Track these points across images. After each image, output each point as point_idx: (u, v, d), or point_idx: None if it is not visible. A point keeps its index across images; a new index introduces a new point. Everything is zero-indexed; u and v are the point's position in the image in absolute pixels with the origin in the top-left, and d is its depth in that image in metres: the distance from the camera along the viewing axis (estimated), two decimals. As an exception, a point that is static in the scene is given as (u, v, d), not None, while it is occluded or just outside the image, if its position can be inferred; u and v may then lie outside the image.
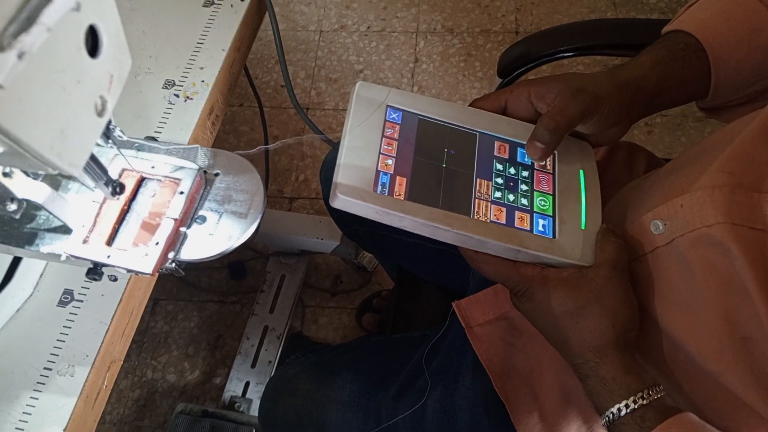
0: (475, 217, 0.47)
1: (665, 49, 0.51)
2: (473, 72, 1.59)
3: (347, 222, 0.88)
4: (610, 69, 0.50)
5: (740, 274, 0.41)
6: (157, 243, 0.39)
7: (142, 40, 0.64)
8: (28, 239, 0.39)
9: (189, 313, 1.32)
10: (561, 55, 0.75)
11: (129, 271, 0.39)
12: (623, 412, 0.43)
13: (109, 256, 0.38)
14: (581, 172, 0.51)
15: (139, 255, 0.39)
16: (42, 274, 0.51)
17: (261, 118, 0.96)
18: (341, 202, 0.45)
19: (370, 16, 1.70)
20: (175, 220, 0.40)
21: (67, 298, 0.50)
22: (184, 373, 1.26)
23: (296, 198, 1.45)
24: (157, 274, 0.52)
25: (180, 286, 1.35)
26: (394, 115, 0.50)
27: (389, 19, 1.69)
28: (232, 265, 1.35)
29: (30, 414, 0.46)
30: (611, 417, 0.44)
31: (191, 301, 1.34)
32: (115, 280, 0.49)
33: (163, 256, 0.39)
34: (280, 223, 1.22)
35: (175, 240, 0.40)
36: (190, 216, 0.41)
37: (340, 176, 0.45)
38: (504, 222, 0.47)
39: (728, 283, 0.42)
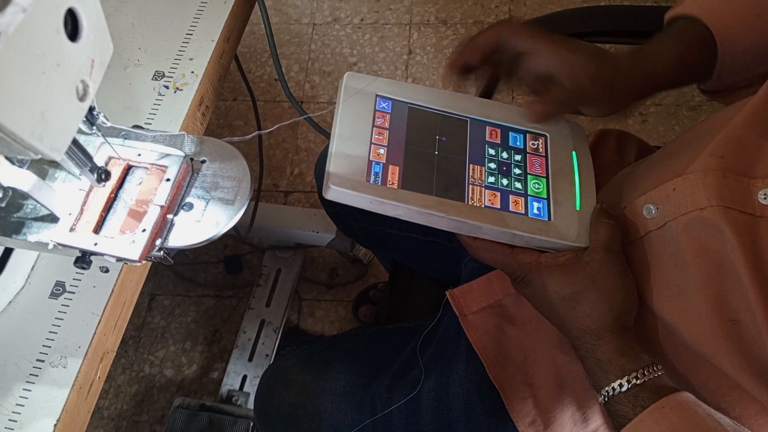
0: (470, 202, 0.47)
1: (683, 44, 0.50)
2: (468, 63, 1.58)
3: (342, 218, 0.88)
4: (635, 57, 0.49)
5: (731, 256, 0.41)
6: (144, 230, 0.39)
7: (131, 32, 0.64)
8: (15, 228, 0.39)
9: (186, 308, 1.32)
10: (553, 43, 0.74)
11: (116, 258, 0.39)
12: (617, 391, 0.44)
13: (96, 244, 0.38)
14: (574, 153, 0.51)
15: (126, 242, 0.39)
16: (33, 266, 0.51)
17: (254, 112, 0.95)
18: (334, 193, 0.44)
19: (363, 9, 1.69)
20: (162, 207, 0.40)
21: (59, 289, 0.50)
22: (182, 368, 1.26)
23: (291, 191, 1.45)
24: (148, 264, 0.52)
25: (176, 281, 1.35)
26: (383, 105, 0.50)
27: (382, 11, 1.68)
28: (228, 259, 1.35)
29: (23, 406, 0.46)
30: (606, 396, 0.44)
31: (188, 296, 1.34)
32: (107, 271, 0.49)
33: (150, 243, 0.39)
34: (275, 217, 1.22)
35: (162, 227, 0.40)
36: (177, 203, 0.41)
37: (332, 167, 0.45)
38: (499, 206, 0.47)
39: (719, 266, 0.42)
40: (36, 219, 0.40)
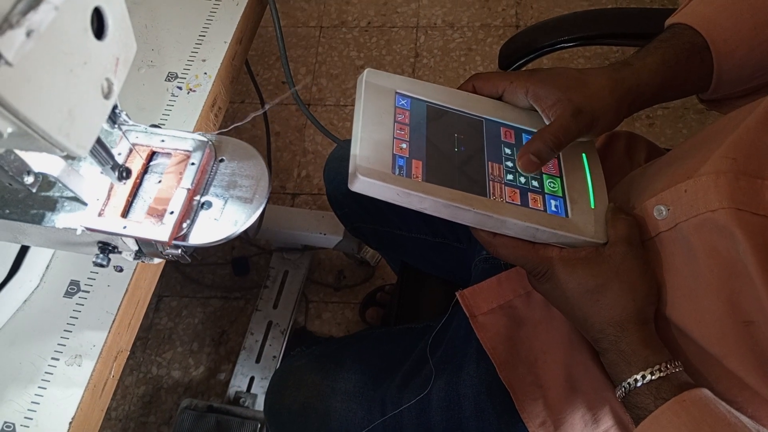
0: (492, 198, 0.47)
1: (671, 48, 0.50)
2: (474, 66, 1.59)
3: (350, 219, 0.88)
4: (615, 68, 0.50)
5: (743, 258, 0.41)
6: (172, 212, 0.39)
7: (145, 33, 0.65)
8: (42, 216, 0.40)
9: (193, 310, 1.33)
10: (561, 46, 0.75)
11: (144, 241, 0.39)
12: (639, 383, 0.44)
13: (125, 227, 0.39)
14: (584, 155, 0.52)
15: (155, 224, 0.39)
16: (48, 265, 0.52)
17: (263, 114, 0.96)
18: (362, 184, 0.44)
19: (370, 12, 1.70)
20: (188, 190, 0.40)
21: (73, 289, 0.51)
22: (189, 369, 1.27)
23: (299, 194, 1.46)
24: (161, 264, 0.52)
25: (184, 283, 1.36)
26: (402, 102, 0.50)
27: (389, 14, 1.69)
28: (236, 261, 1.35)
29: (38, 404, 0.46)
30: (627, 388, 0.45)
31: (195, 298, 1.34)
32: (121, 270, 0.50)
33: (179, 225, 0.39)
34: (283, 219, 1.23)
35: (189, 210, 0.40)
36: (202, 186, 0.41)
37: (359, 159, 0.45)
38: (519, 203, 0.48)
39: (731, 267, 0.43)
40: (64, 205, 0.40)
